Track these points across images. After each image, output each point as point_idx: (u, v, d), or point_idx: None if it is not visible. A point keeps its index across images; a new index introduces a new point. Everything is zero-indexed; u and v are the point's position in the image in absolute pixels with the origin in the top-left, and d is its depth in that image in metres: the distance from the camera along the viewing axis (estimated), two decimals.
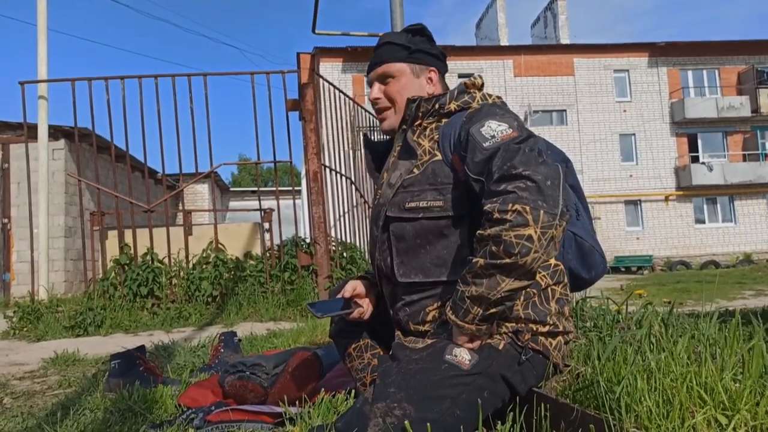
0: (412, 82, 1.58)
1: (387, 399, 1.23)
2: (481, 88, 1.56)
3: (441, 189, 1.42)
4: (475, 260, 1.25)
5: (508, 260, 1.19)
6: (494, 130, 1.35)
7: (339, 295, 1.63)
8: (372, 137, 1.80)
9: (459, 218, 1.41)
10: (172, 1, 79.59)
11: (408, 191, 1.46)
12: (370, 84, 1.64)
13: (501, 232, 1.20)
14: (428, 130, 1.52)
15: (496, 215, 1.21)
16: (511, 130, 1.34)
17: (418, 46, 1.59)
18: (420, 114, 1.52)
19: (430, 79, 1.61)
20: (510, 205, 1.19)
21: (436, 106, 1.51)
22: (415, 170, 1.47)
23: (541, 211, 1.18)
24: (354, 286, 1.62)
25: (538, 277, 1.38)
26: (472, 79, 1.56)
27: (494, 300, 1.23)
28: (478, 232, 1.26)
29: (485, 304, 1.24)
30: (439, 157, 1.46)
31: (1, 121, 9.18)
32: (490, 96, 1.52)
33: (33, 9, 5.65)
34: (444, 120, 1.51)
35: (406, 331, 1.52)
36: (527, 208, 1.18)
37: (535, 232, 1.18)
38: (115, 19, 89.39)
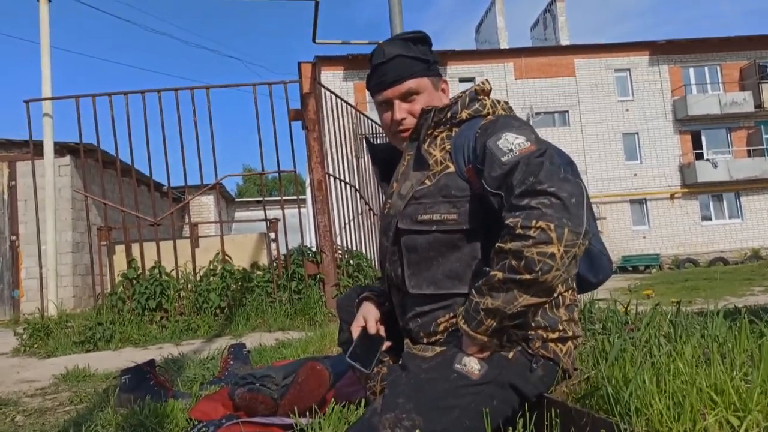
0: (433, 96, 1.56)
1: (396, 409, 1.23)
2: (489, 93, 1.53)
3: (455, 202, 1.39)
4: (492, 273, 1.22)
5: (528, 276, 1.16)
6: (512, 143, 1.31)
7: (356, 330, 1.57)
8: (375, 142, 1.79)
9: (473, 231, 1.39)
10: (173, 15, 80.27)
11: (420, 203, 1.43)
12: (386, 102, 1.56)
13: (523, 248, 1.16)
14: (439, 139, 1.48)
15: (519, 230, 1.17)
16: (529, 143, 1.31)
17: (433, 57, 1.55)
18: (432, 124, 1.48)
19: (443, 89, 1.60)
20: (534, 221, 1.16)
21: (448, 115, 1.48)
22: (426, 181, 1.44)
23: (566, 229, 1.15)
24: (365, 316, 1.57)
25: None
26: (481, 84, 1.53)
27: (510, 314, 1.21)
28: (498, 244, 1.22)
29: (500, 317, 1.22)
30: (452, 168, 1.43)
31: (7, 140, 9.25)
32: (499, 102, 1.50)
33: (35, 28, 5.71)
34: (455, 129, 1.48)
35: (416, 342, 1.50)
36: (552, 226, 1.15)
37: (558, 250, 1.15)
38: (117, 35, 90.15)
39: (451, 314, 1.42)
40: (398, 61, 1.51)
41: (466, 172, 1.40)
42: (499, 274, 1.20)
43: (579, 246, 1.17)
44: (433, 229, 1.41)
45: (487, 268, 1.25)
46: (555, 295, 1.37)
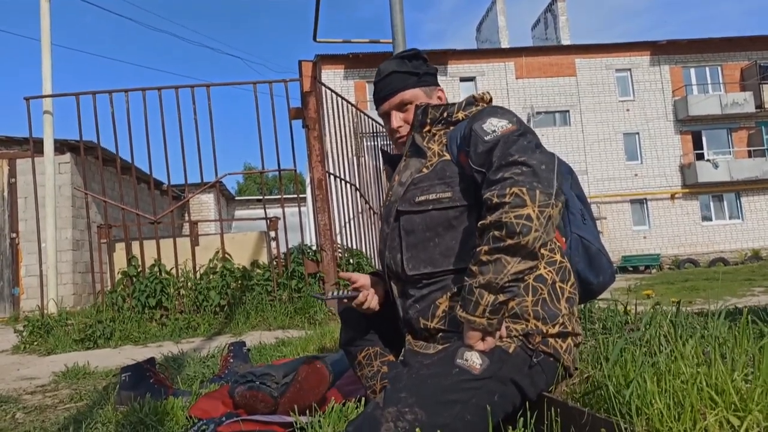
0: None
1: (398, 403, 1.24)
2: (489, 103, 1.64)
3: (449, 182, 1.49)
4: (479, 249, 1.29)
5: (511, 241, 1.24)
6: (495, 125, 1.43)
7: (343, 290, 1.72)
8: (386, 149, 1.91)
9: (467, 209, 1.47)
10: (174, 13, 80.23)
11: (418, 187, 1.53)
12: (386, 114, 1.72)
13: (501, 215, 1.25)
14: (437, 136, 1.60)
15: (495, 200, 1.27)
16: (511, 124, 1.42)
17: (424, 70, 1.69)
18: (428, 120, 1.61)
19: (440, 97, 1.73)
20: (508, 189, 1.26)
21: (445, 114, 1.60)
22: (424, 169, 1.55)
23: (537, 191, 1.25)
24: (351, 276, 1.69)
25: (543, 272, 1.40)
26: (481, 93, 1.65)
27: (502, 284, 1.25)
28: (480, 223, 1.30)
29: (494, 291, 1.26)
30: (448, 157, 1.54)
31: (7, 137, 9.25)
32: None
33: (36, 25, 5.71)
34: (451, 128, 1.60)
35: (416, 331, 1.52)
36: (524, 189, 1.25)
37: (534, 211, 1.24)
38: (119, 33, 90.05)
39: (449, 294, 1.46)
40: (393, 77, 1.68)
41: (459, 157, 1.50)
42: (485, 248, 1.28)
43: (552, 206, 1.26)
44: (430, 208, 1.50)
45: (474, 249, 1.32)
46: (542, 272, 1.41)
